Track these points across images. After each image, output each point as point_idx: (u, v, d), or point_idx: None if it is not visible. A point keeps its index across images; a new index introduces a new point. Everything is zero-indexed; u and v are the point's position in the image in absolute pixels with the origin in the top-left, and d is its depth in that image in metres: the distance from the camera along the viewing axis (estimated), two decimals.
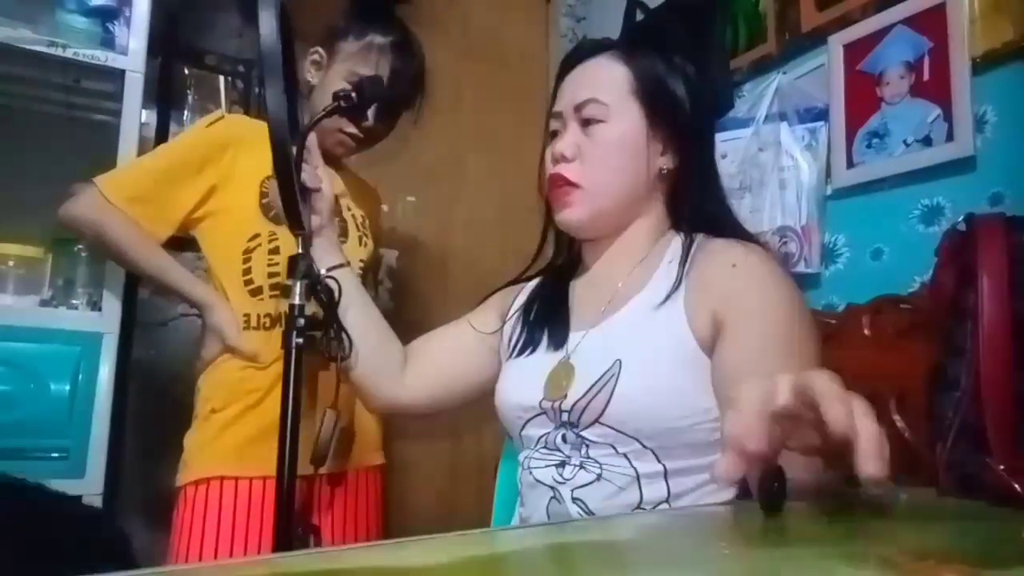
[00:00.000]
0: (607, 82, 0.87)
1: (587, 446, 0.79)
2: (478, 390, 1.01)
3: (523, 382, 0.89)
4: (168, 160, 1.17)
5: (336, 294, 0.89)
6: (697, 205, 0.89)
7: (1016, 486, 0.66)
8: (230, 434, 1.14)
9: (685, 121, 0.88)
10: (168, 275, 1.16)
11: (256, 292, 1.16)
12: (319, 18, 1.29)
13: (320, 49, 1.25)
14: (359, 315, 0.95)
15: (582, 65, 0.91)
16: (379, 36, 1.21)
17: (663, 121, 0.87)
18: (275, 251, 1.14)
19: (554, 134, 0.91)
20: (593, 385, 0.78)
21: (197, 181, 1.16)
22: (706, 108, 0.95)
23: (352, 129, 1.20)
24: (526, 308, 0.97)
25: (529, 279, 1.03)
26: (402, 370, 0.99)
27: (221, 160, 1.17)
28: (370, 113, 1.18)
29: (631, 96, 0.87)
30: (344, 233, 1.28)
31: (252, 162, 1.15)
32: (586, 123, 0.87)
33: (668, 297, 0.81)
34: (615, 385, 0.77)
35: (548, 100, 0.97)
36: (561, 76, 0.94)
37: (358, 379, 0.97)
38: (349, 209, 1.30)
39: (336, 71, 1.20)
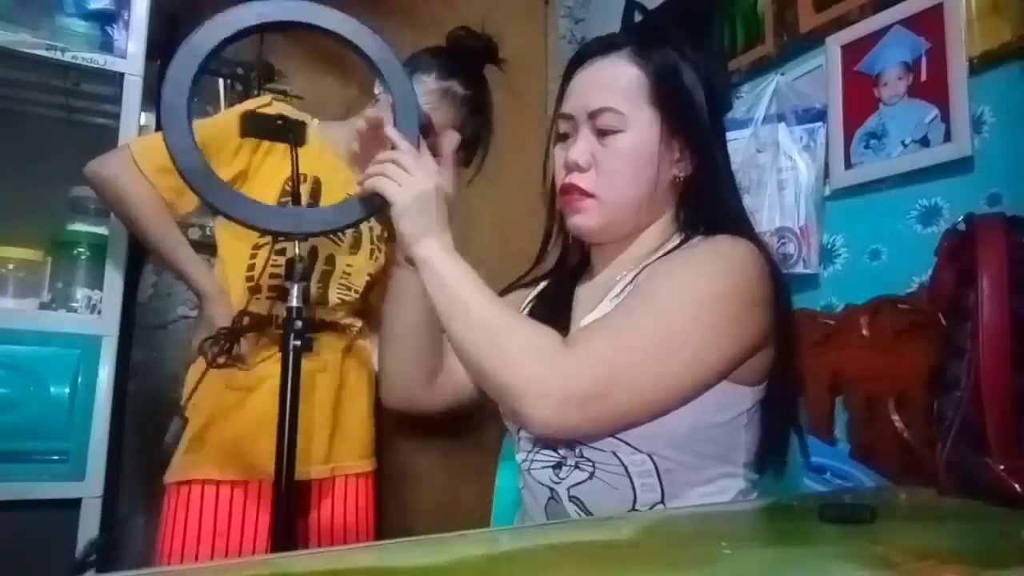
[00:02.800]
0: (622, 88, 0.84)
1: (580, 446, 0.79)
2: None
3: None
4: (206, 135, 1.15)
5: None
6: (706, 208, 0.86)
7: (1016, 486, 0.66)
8: (210, 435, 1.14)
9: (702, 127, 0.86)
10: (178, 257, 1.16)
11: (255, 290, 1.16)
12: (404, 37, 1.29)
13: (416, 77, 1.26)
14: (413, 317, 0.93)
15: (593, 65, 0.87)
16: (460, 87, 1.22)
17: (679, 128, 0.85)
18: (281, 252, 1.14)
19: (564, 136, 0.88)
20: None
21: (230, 163, 1.15)
22: (720, 106, 0.92)
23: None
24: (531, 310, 0.96)
25: (542, 278, 1.01)
26: (434, 380, 0.97)
27: (258, 147, 1.16)
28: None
29: (648, 104, 0.83)
30: (356, 244, 1.28)
31: (283, 158, 1.15)
32: (601, 132, 0.84)
33: (622, 291, 0.81)
34: None
35: (547, 101, 0.95)
36: (569, 74, 0.90)
37: (389, 376, 0.96)
38: (368, 221, 1.30)
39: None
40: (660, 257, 0.83)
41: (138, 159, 1.12)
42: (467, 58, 1.26)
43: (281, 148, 1.17)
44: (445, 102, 1.21)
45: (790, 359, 0.82)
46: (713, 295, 0.73)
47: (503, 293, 1.03)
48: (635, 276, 0.83)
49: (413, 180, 0.80)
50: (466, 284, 0.77)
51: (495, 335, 0.72)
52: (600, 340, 0.71)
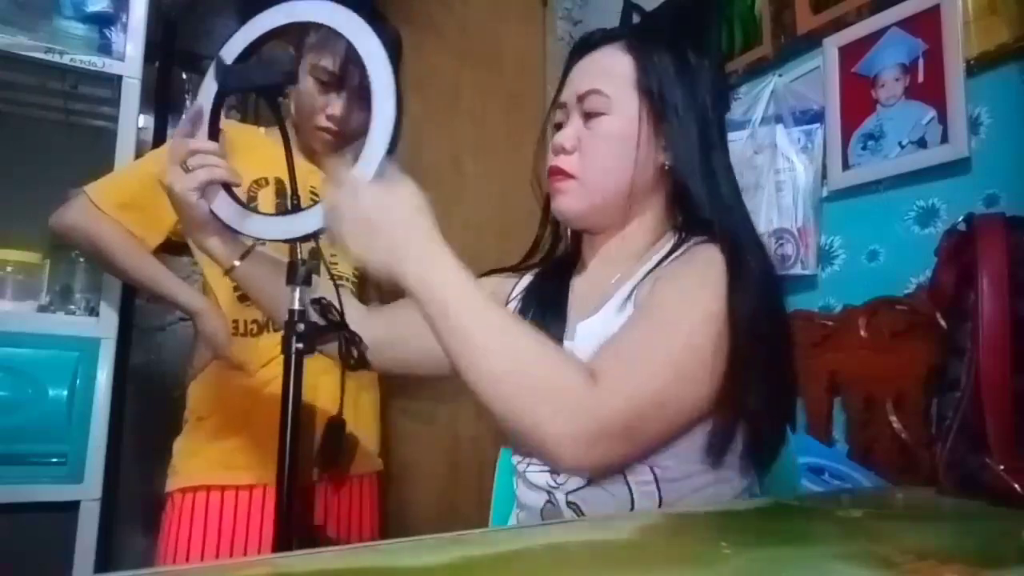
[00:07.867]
0: (611, 73, 0.84)
1: None
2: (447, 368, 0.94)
3: None
4: (158, 165, 1.13)
5: (336, 305, 0.87)
6: (697, 205, 0.83)
7: (1016, 486, 0.66)
8: (217, 442, 1.13)
9: (689, 117, 0.83)
10: (160, 283, 1.16)
11: (245, 298, 1.15)
12: None
13: (290, 47, 1.20)
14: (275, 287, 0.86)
15: (590, 55, 0.88)
16: None
17: (665, 116, 0.83)
18: None
19: (559, 126, 0.88)
20: None
21: None
22: (716, 103, 0.90)
23: (324, 123, 1.17)
24: (523, 304, 0.94)
25: (528, 268, 0.99)
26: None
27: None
28: (333, 102, 1.16)
29: (634, 88, 0.83)
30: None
31: (242, 167, 1.14)
32: (588, 115, 0.84)
33: (624, 303, 0.79)
34: None
35: (544, 103, 0.94)
36: (569, 65, 0.90)
37: None
38: None
39: (303, 67, 1.16)
40: (655, 266, 0.81)
41: (96, 200, 1.13)
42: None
43: (243, 153, 1.13)
44: (329, 45, 1.15)
45: (771, 359, 0.76)
46: (710, 320, 0.71)
47: (485, 275, 1.00)
48: (634, 288, 0.80)
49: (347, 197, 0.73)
50: (475, 324, 0.67)
51: (520, 382, 0.66)
52: (623, 376, 0.68)
